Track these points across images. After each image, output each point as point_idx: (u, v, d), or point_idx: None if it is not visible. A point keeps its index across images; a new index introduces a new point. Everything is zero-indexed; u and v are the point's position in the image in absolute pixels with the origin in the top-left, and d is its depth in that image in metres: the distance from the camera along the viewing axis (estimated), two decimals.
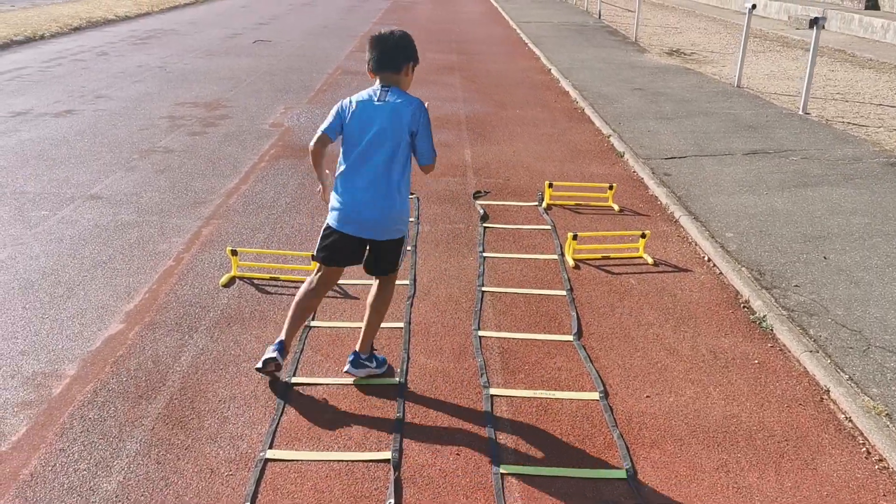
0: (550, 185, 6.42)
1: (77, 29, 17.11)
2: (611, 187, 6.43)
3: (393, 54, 3.57)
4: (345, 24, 19.68)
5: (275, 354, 3.69)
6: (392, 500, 3.01)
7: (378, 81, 3.59)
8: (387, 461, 3.24)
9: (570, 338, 4.29)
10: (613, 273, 5.15)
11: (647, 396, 3.76)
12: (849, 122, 9.15)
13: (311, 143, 3.61)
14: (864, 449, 3.40)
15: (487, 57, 14.55)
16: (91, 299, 4.62)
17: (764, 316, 4.49)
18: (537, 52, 15.01)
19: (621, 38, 16.97)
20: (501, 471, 3.20)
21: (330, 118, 3.58)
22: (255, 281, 4.91)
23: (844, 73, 12.75)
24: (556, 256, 5.39)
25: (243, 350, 4.09)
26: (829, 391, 3.79)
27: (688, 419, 3.59)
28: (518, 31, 18.50)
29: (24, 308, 4.49)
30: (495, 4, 26.01)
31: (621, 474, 3.20)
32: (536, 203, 6.45)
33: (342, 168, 3.58)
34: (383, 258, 3.70)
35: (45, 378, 3.80)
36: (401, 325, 4.39)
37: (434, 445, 3.36)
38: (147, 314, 4.45)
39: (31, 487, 3.05)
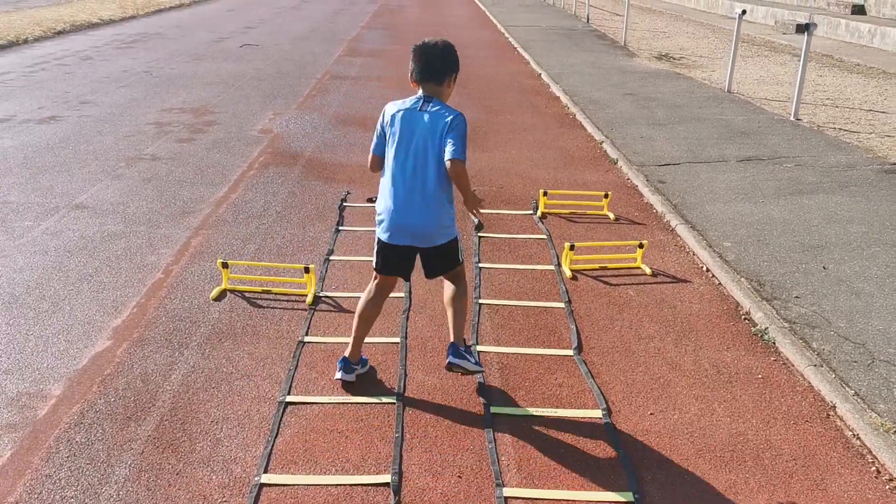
0: (545, 194, 6.34)
1: (61, 33, 16.90)
2: (606, 195, 6.36)
3: (437, 66, 3.61)
4: (333, 28, 19.56)
5: (339, 375, 3.78)
6: None
7: (420, 91, 3.61)
8: (386, 485, 3.14)
9: (571, 352, 4.21)
10: (611, 284, 5.07)
11: (651, 414, 3.68)
12: (840, 129, 9.13)
13: (370, 167, 3.72)
14: (874, 468, 3.33)
15: (476, 61, 14.47)
16: (77, 314, 4.49)
17: (766, 328, 4.42)
18: (526, 56, 14.96)
19: (610, 43, 16.95)
20: (505, 493, 3.11)
21: (375, 137, 3.66)
22: (247, 294, 4.80)
23: (833, 79, 12.76)
24: (552, 267, 5.31)
25: (236, 367, 3.98)
26: (835, 407, 3.72)
27: (693, 438, 3.51)
28: (506, 34, 18.44)
29: (7, 324, 4.36)
30: (483, 8, 25.97)
31: (629, 497, 3.11)
32: (531, 212, 6.37)
33: (384, 177, 3.61)
34: (439, 262, 3.71)
35: (30, 399, 3.67)
36: (397, 339, 4.29)
37: (435, 467, 3.26)
38: (135, 330, 4.33)
39: None
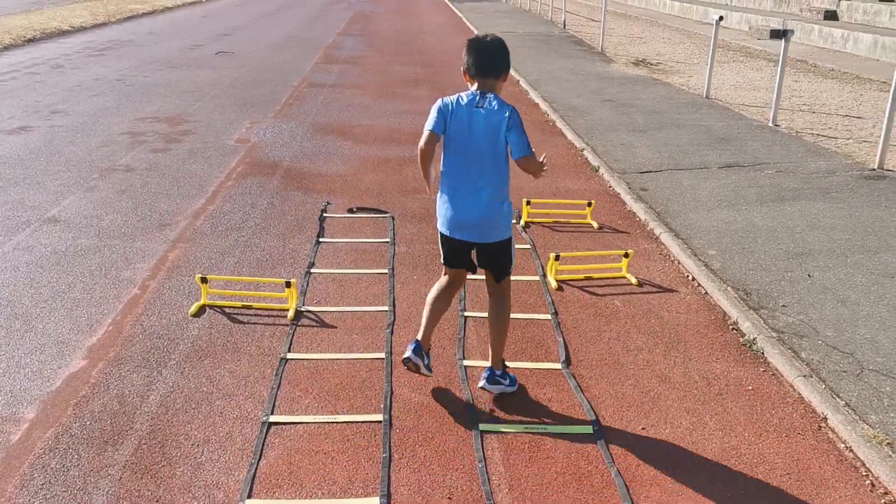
0: (528, 203, 6.29)
1: (31, 41, 16.63)
2: (589, 204, 6.32)
3: (495, 61, 3.62)
4: (309, 35, 19.43)
5: (409, 354, 3.76)
6: None
7: (475, 86, 3.62)
8: None
9: (559, 366, 4.14)
10: (598, 294, 5.02)
11: (643, 429, 3.62)
12: (818, 134, 9.18)
13: (422, 144, 3.61)
14: (868, 481, 3.29)
15: (454, 69, 14.40)
16: (50, 333, 4.35)
17: (754, 338, 4.38)
18: None
19: (587, 49, 16.98)
20: None
21: (434, 116, 3.61)
22: (227, 310, 4.68)
23: (808, 84, 12.86)
24: (537, 277, 5.24)
25: (216, 386, 3.86)
26: (826, 419, 3.69)
27: (686, 452, 3.45)
28: None
29: None
30: (459, 14, 25.98)
31: None
32: (514, 221, 6.30)
33: (444, 172, 3.65)
34: (494, 260, 3.73)
35: (2, 423, 3.53)
36: (382, 355, 4.19)
37: (424, 488, 3.17)
38: (111, 349, 4.19)
39: None
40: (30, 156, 7.84)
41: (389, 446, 3.43)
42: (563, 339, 4.41)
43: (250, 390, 3.84)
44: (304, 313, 4.65)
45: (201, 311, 4.65)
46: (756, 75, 13.70)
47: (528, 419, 3.67)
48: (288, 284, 4.63)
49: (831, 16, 19.36)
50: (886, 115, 7.52)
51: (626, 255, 5.27)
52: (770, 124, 9.52)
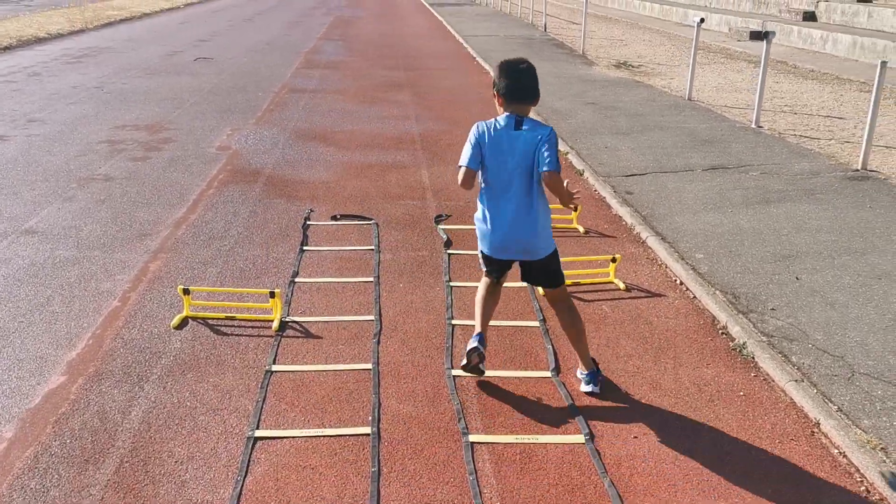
0: None
1: (7, 48, 16.41)
2: (576, 209, 6.28)
3: (529, 87, 3.65)
4: (288, 41, 19.32)
5: (476, 343, 3.82)
6: None
7: (507, 109, 3.65)
8: None
9: (549, 374, 4.08)
10: (586, 300, 4.97)
11: (635, 437, 3.57)
12: (801, 135, 9.20)
13: (460, 182, 3.66)
14: (863, 487, 3.26)
15: (436, 73, 14.39)
16: (28, 348, 4.24)
17: (744, 343, 4.35)
18: (486, 66, 14.90)
19: (568, 51, 16.99)
20: None
21: (469, 150, 3.66)
22: (210, 321, 4.59)
23: (789, 85, 12.92)
24: (525, 284, 5.18)
25: (200, 401, 3.78)
26: (819, 424, 3.66)
27: (679, 461, 3.41)
28: (465, 45, 18.40)
29: None
30: (440, 18, 25.95)
31: None
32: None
33: (485, 195, 3.72)
34: (545, 273, 3.84)
35: None
36: (368, 366, 4.12)
37: (414, 503, 3.11)
38: (91, 363, 4.10)
39: None
40: (6, 166, 7.70)
41: (378, 460, 3.37)
42: (553, 347, 4.36)
43: (235, 404, 3.76)
44: (289, 324, 4.57)
45: (184, 323, 4.56)
46: (737, 77, 13.75)
47: (519, 429, 3.61)
48: (272, 295, 4.55)
49: (810, 17, 19.50)
50: (869, 115, 7.55)
51: (614, 260, 5.23)
52: (753, 126, 9.54)
